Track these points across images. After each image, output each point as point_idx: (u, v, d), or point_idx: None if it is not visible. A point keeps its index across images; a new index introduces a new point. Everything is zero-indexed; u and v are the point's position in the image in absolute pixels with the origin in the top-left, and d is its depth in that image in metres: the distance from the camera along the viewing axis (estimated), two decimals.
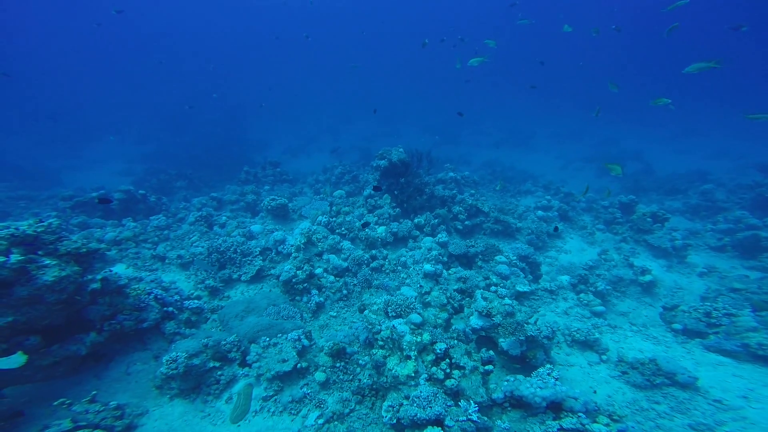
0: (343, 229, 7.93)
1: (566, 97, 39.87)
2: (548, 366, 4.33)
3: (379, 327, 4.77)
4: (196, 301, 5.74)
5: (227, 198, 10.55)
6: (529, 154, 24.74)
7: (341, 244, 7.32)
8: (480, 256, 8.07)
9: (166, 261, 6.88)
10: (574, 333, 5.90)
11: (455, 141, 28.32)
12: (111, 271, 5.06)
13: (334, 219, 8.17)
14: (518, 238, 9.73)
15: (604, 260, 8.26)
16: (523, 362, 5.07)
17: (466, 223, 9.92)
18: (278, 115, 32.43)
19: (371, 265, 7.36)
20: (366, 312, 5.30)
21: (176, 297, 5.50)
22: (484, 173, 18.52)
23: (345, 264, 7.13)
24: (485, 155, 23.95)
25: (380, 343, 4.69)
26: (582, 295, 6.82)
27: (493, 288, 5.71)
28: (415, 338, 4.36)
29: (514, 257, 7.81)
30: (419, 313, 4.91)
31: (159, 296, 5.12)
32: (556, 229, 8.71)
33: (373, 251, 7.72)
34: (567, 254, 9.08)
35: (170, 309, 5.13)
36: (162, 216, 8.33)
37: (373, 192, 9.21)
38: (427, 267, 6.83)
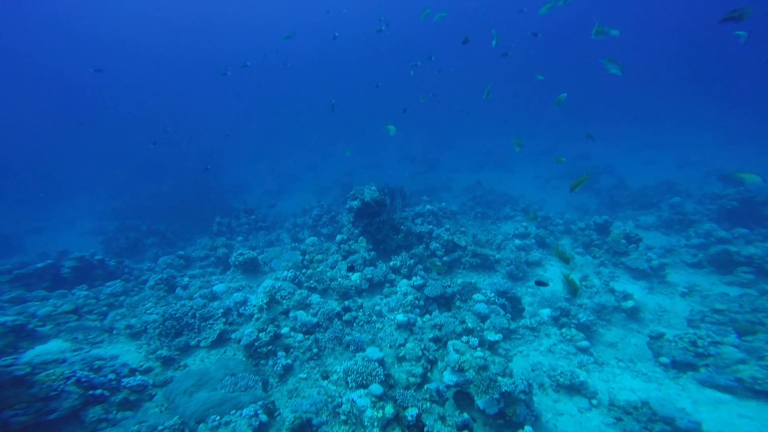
0: (312, 281, 7.59)
1: (537, 114, 41.57)
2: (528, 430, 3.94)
3: (339, 399, 4.34)
4: (139, 376, 5.21)
5: (196, 254, 10.16)
6: (508, 175, 25.21)
7: (310, 298, 6.95)
8: (458, 296, 7.78)
9: (114, 332, 6.36)
10: (559, 377, 5.54)
11: (435, 167, 28.76)
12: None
13: (304, 271, 7.84)
14: (498, 270, 9.52)
15: (585, 287, 8.06)
16: (504, 418, 4.67)
17: (444, 259, 9.72)
18: (256, 155, 32.64)
19: (344, 317, 6.98)
20: (326, 383, 4.87)
21: (111, 376, 4.97)
22: (465, 199, 18.62)
23: (315, 319, 6.72)
24: (466, 179, 24.26)
25: (342, 417, 4.25)
26: (564, 329, 6.52)
27: (464, 338, 5.38)
28: (376, 413, 3.95)
29: (493, 294, 7.53)
30: (382, 382, 4.52)
31: (83, 378, 4.58)
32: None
33: (347, 302, 7.36)
34: (549, 282, 8.86)
35: (99, 392, 4.59)
36: (119, 282, 7.86)
37: (345, 238, 8.98)
38: (400, 317, 6.49)
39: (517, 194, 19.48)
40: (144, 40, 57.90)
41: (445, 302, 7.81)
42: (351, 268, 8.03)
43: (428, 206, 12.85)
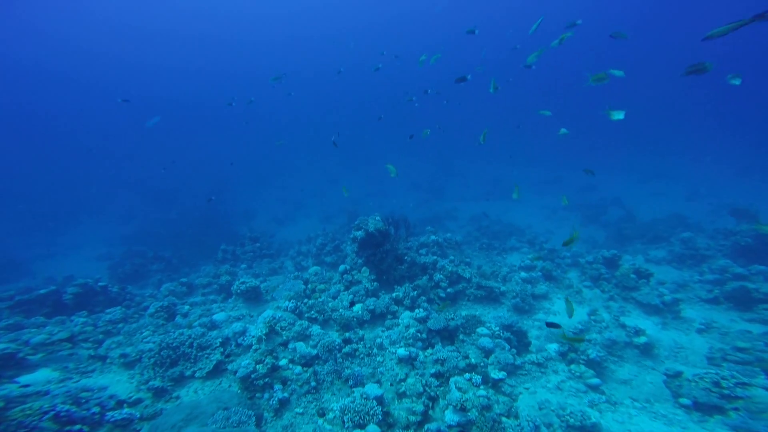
0: (313, 312, 7.49)
1: (543, 143, 42.16)
2: None
3: None
4: (126, 409, 5.04)
5: (199, 282, 10.18)
6: (514, 205, 25.17)
7: (310, 329, 6.82)
8: (461, 329, 7.55)
9: (107, 361, 6.25)
10: (569, 417, 5.19)
11: (441, 196, 28.97)
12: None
13: (306, 301, 7.76)
14: (503, 303, 9.29)
15: (594, 321, 7.75)
16: None
17: (449, 290, 9.57)
18: (264, 181, 33.43)
19: (344, 350, 6.79)
20: (321, 421, 4.66)
21: (95, 409, 4.80)
22: (471, 229, 18.55)
23: (314, 351, 6.56)
24: (471, 209, 24.31)
25: None
26: (573, 366, 6.20)
27: (467, 375, 5.15)
28: None
29: (497, 327, 7.30)
30: (380, 422, 4.31)
31: (63, 413, 4.43)
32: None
33: (347, 334, 7.19)
34: (555, 316, 8.57)
35: (77, 427, 4.42)
36: (119, 309, 7.86)
37: (348, 268, 8.95)
38: (401, 351, 6.29)
39: (524, 225, 19.35)
40: (152, 62, 61.57)
41: (448, 335, 7.58)
42: (352, 303, 7.95)
43: (433, 237, 12.81)
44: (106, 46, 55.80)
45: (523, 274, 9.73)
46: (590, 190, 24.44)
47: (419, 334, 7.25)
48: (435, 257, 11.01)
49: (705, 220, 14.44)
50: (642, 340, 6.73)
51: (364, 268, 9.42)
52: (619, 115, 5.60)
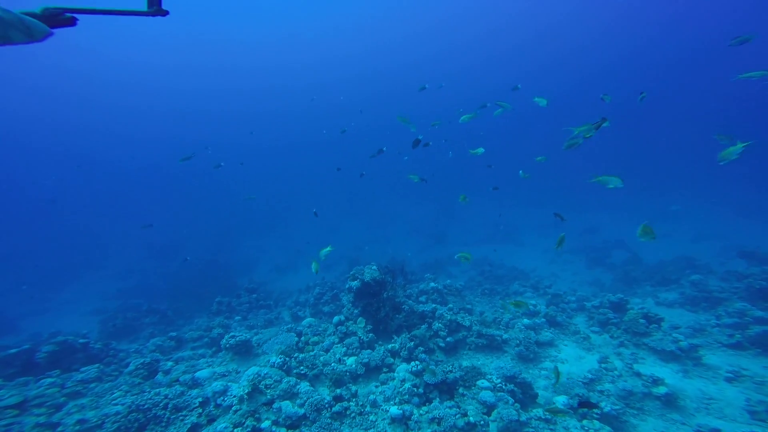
0: (302, 367, 7.04)
1: (546, 184, 42.65)
2: None
3: None
4: None
5: (189, 335, 9.79)
6: (518, 248, 24.81)
7: (298, 386, 6.35)
8: (461, 382, 6.98)
9: (59, 429, 5.72)
10: None
11: (443, 241, 28.76)
12: None
13: (297, 355, 7.34)
14: (506, 351, 8.71)
15: (605, 370, 7.13)
16: None
17: (448, 339, 9.10)
18: (266, 230, 33.78)
19: (334, 408, 6.24)
20: None
21: None
22: (474, 274, 18.08)
23: (301, 411, 6.03)
24: (474, 253, 23.88)
25: None
26: (585, 421, 5.55)
27: None
28: None
29: (499, 379, 6.73)
30: None
31: None
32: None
33: (339, 390, 6.67)
34: (563, 364, 7.95)
35: None
36: (95, 367, 7.45)
37: (343, 319, 8.63)
38: (394, 410, 5.77)
39: (528, 268, 18.86)
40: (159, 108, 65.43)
41: (447, 389, 6.99)
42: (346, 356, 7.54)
43: (432, 284, 12.49)
44: (108, 96, 59.59)
45: (525, 320, 9.24)
46: (593, 233, 24.20)
47: (416, 389, 6.71)
48: (434, 305, 10.65)
49: (714, 261, 13.94)
50: (662, 390, 6.09)
51: (360, 319, 9.07)
52: (615, 184, 5.49)
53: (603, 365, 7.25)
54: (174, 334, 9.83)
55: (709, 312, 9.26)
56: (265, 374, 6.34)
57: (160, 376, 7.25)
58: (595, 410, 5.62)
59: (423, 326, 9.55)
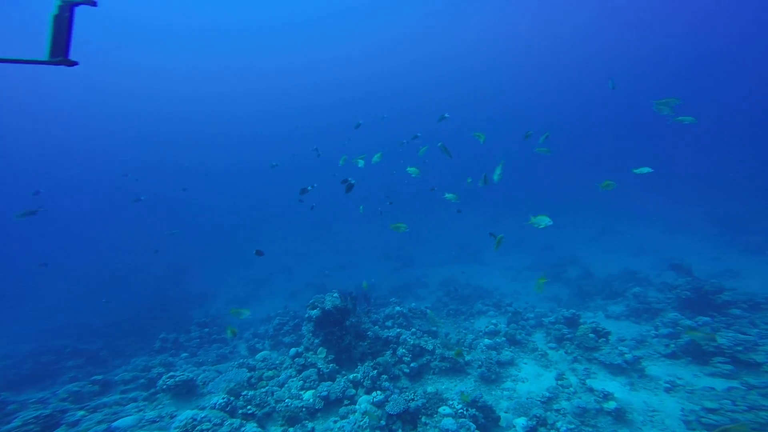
0: (251, 406, 6.54)
1: (504, 205, 44.75)
2: None
3: None
4: None
5: (120, 377, 8.75)
6: (481, 267, 25.50)
7: (243, 429, 5.85)
8: (423, 411, 6.82)
9: None
10: None
11: (411, 263, 28.95)
12: None
13: (246, 393, 6.81)
14: (469, 373, 8.72)
15: (562, 387, 7.34)
16: None
17: (412, 365, 8.98)
18: (226, 261, 32.03)
19: None
20: None
21: None
22: (440, 294, 18.22)
23: None
24: (441, 274, 24.28)
25: None
26: None
27: None
28: None
29: (460, 405, 6.66)
30: None
31: None
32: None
33: (292, 429, 6.24)
34: (524, 383, 8.08)
35: None
36: None
37: (301, 351, 8.24)
38: None
39: (492, 287, 19.39)
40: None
41: (410, 418, 6.80)
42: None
43: (398, 308, 12.40)
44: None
45: (487, 340, 9.37)
46: (549, 249, 25.54)
47: (377, 422, 6.44)
48: (399, 330, 10.53)
49: (652, 274, 15.22)
50: (612, 405, 6.34)
51: (320, 349, 8.71)
52: (545, 223, 6.12)
53: (559, 382, 7.47)
54: (99, 377, 8.67)
55: (649, 323, 9.96)
56: (202, 418, 5.78)
57: (61, 430, 6.27)
58: (552, 431, 5.71)
59: (388, 353, 9.38)
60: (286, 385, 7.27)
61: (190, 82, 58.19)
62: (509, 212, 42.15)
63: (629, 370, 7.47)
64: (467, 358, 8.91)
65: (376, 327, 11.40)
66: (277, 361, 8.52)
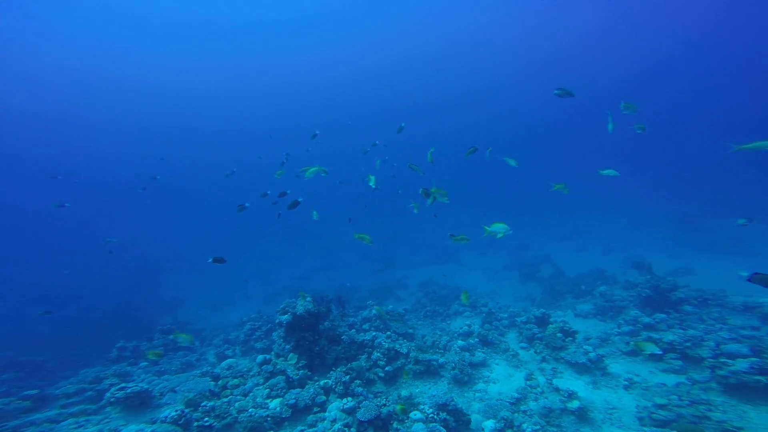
0: (208, 418, 6.26)
1: (478, 206, 45.61)
2: None
3: None
4: None
5: (63, 390, 8.10)
6: (459, 268, 25.88)
7: None
8: (394, 416, 6.77)
9: None
10: None
11: (391, 265, 28.99)
12: None
13: (205, 403, 6.51)
14: (443, 375, 8.76)
15: (530, 387, 7.50)
16: None
17: (387, 369, 8.92)
18: (199, 265, 30.97)
19: None
20: None
21: None
22: (420, 296, 18.30)
23: None
24: (420, 275, 24.43)
25: None
26: None
27: None
28: None
29: (431, 409, 6.66)
30: None
31: None
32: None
33: None
34: (495, 384, 8.20)
35: None
36: None
37: (269, 358, 7.99)
38: None
39: (470, 287, 19.69)
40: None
41: (382, 425, 6.72)
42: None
43: (374, 310, 12.32)
44: None
45: (460, 342, 9.45)
46: (524, 249, 26.20)
47: (347, 429, 6.33)
48: (374, 333, 10.46)
49: (618, 272, 15.89)
50: (575, 404, 6.52)
51: (291, 355, 8.49)
52: (502, 232, 6.19)
53: (528, 382, 7.62)
54: (33, 391, 7.97)
55: (614, 321, 10.37)
56: None
57: None
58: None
59: (362, 357, 9.29)
60: (251, 394, 7.02)
61: (164, 74, 55.81)
62: (491, 213, 43.13)
63: (593, 368, 7.72)
64: (441, 360, 8.94)
65: (353, 330, 11.30)
66: (244, 369, 8.24)
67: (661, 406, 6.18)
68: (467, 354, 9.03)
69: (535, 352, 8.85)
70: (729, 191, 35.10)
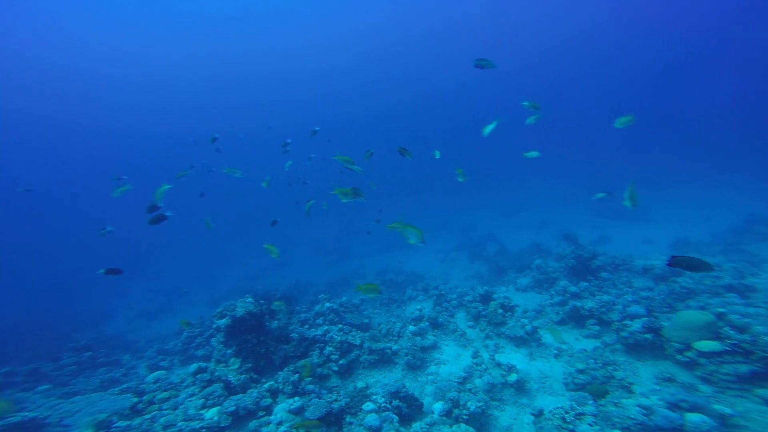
0: None
1: (428, 191, 46.91)
2: None
3: None
4: None
5: None
6: (413, 253, 26.41)
7: None
8: (347, 410, 6.69)
9: None
10: None
11: (347, 255, 28.72)
12: None
13: (119, 424, 5.81)
14: (397, 362, 8.87)
15: (476, 365, 7.86)
16: None
17: (341, 362, 8.78)
18: (131, 274, 27.86)
19: None
20: None
21: None
22: (377, 284, 18.32)
23: None
24: (377, 264, 24.52)
25: None
26: (455, 427, 5.90)
27: None
28: None
29: (383, 398, 6.68)
30: None
31: None
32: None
33: None
34: (446, 365, 8.49)
35: None
36: None
37: (203, 365, 7.38)
38: None
39: (424, 271, 20.20)
40: None
41: (334, 420, 6.60)
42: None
43: (327, 304, 12.04)
44: None
45: (412, 327, 9.61)
46: (471, 229, 27.47)
47: (294, 431, 6.10)
48: (326, 327, 10.21)
49: (552, 245, 17.36)
50: (513, 377, 6.95)
51: (233, 360, 7.95)
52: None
53: (474, 360, 7.98)
54: None
55: (548, 292, 11.28)
56: None
57: None
58: (464, 411, 6.06)
59: (315, 353, 9.07)
60: (181, 407, 6.43)
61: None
62: (436, 197, 44.43)
63: (529, 340, 8.32)
64: (394, 347, 9.03)
65: (306, 326, 10.95)
66: (177, 380, 7.53)
67: (581, 371, 6.78)
68: (419, 338, 9.21)
69: (480, 329, 9.31)
70: (634, 165, 39.95)
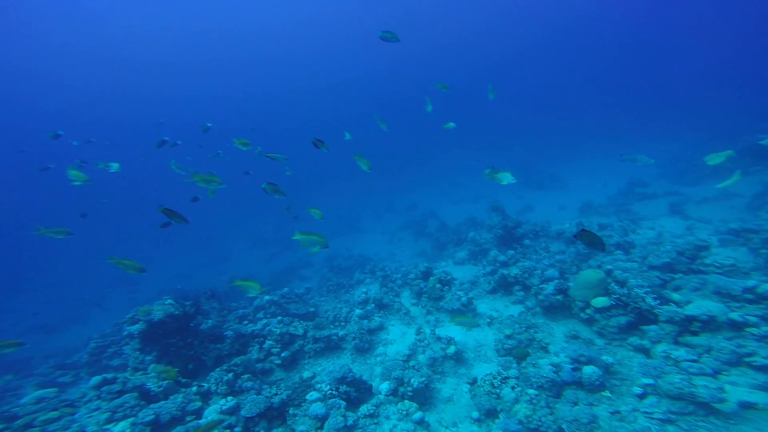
0: None
1: (373, 174, 46.78)
2: None
3: None
4: None
5: None
6: (361, 236, 26.30)
7: None
8: (289, 403, 6.45)
9: None
10: None
11: (290, 245, 27.46)
12: None
13: None
14: (345, 348, 8.80)
15: (419, 341, 8.13)
16: None
17: (284, 354, 8.42)
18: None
19: None
20: None
21: None
22: (325, 271, 17.87)
23: None
24: (324, 252, 23.82)
25: None
26: (401, 404, 6.06)
27: None
28: None
29: (329, 387, 6.56)
30: None
31: None
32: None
33: None
34: (393, 345, 8.63)
35: None
36: None
37: (109, 376, 6.43)
38: None
39: (371, 253, 20.17)
40: None
41: (277, 414, 6.32)
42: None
43: (267, 297, 11.36)
44: None
45: (358, 311, 9.56)
46: (414, 209, 28.09)
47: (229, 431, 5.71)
48: (266, 320, 9.68)
49: (485, 217, 18.49)
50: (452, 349, 7.28)
51: (151, 366, 7.10)
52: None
53: (417, 337, 8.23)
54: None
55: (480, 264, 12.00)
56: None
57: None
58: (408, 388, 6.22)
59: (254, 348, 8.57)
60: (76, 424, 5.56)
61: None
62: (382, 180, 44.55)
63: (466, 311, 8.81)
64: (341, 333, 8.90)
65: (245, 322, 10.29)
66: (72, 397, 6.51)
67: (508, 336, 7.29)
68: (366, 321, 9.20)
69: (422, 306, 9.63)
70: (555, 138, 44.29)
